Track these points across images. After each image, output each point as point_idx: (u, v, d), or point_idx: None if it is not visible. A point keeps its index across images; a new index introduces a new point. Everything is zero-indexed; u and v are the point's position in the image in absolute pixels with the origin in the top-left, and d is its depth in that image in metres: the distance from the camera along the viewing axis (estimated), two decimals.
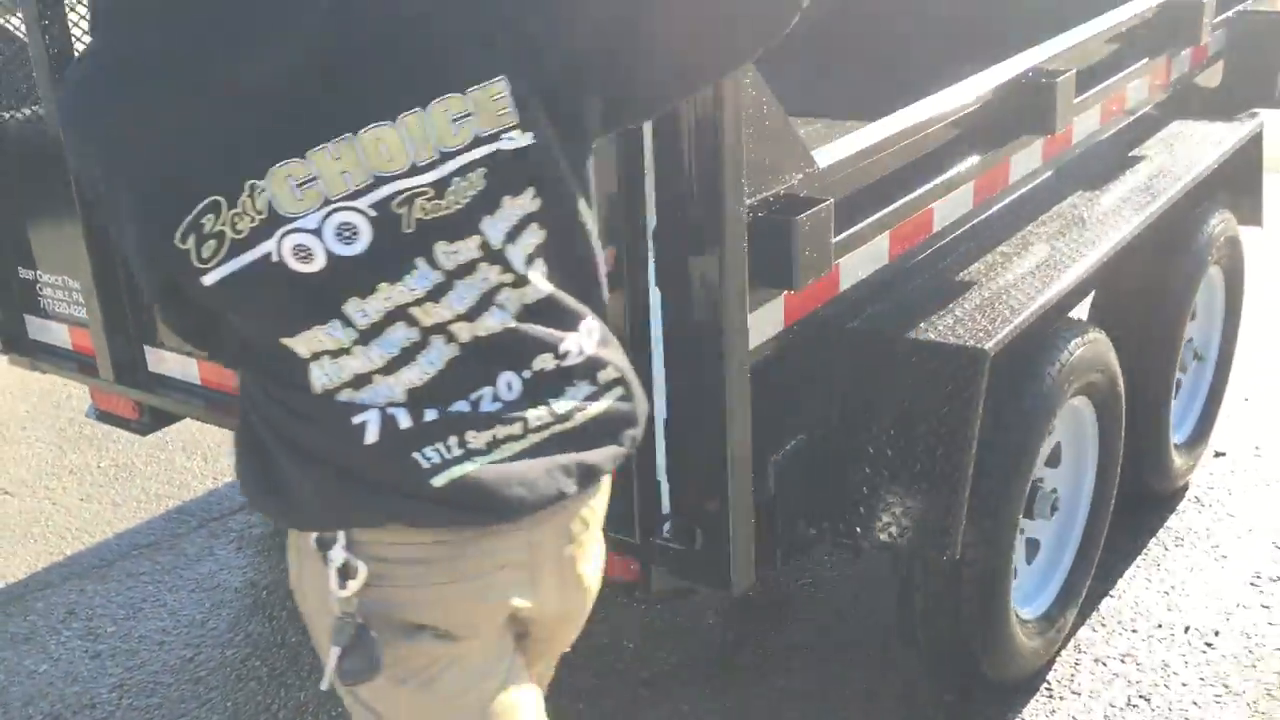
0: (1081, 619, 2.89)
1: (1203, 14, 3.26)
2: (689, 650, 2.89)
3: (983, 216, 2.59)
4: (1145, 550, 3.17)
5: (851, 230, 2.10)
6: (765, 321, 1.93)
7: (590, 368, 1.31)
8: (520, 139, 1.19)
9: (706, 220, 1.71)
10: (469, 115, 1.17)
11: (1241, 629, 2.83)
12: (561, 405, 1.29)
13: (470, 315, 1.22)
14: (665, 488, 1.93)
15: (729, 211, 1.70)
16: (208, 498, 3.73)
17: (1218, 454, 3.61)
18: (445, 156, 1.17)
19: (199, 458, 3.95)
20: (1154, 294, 3.05)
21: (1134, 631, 2.85)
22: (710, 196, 1.69)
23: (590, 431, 1.31)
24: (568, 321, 1.29)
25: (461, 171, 1.17)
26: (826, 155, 2.00)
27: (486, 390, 1.25)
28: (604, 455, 1.33)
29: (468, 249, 1.20)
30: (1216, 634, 2.82)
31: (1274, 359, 4.16)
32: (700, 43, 1.27)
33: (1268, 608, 2.91)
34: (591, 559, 1.50)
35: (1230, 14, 3.65)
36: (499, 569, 1.35)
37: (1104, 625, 2.88)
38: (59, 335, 2.81)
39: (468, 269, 1.21)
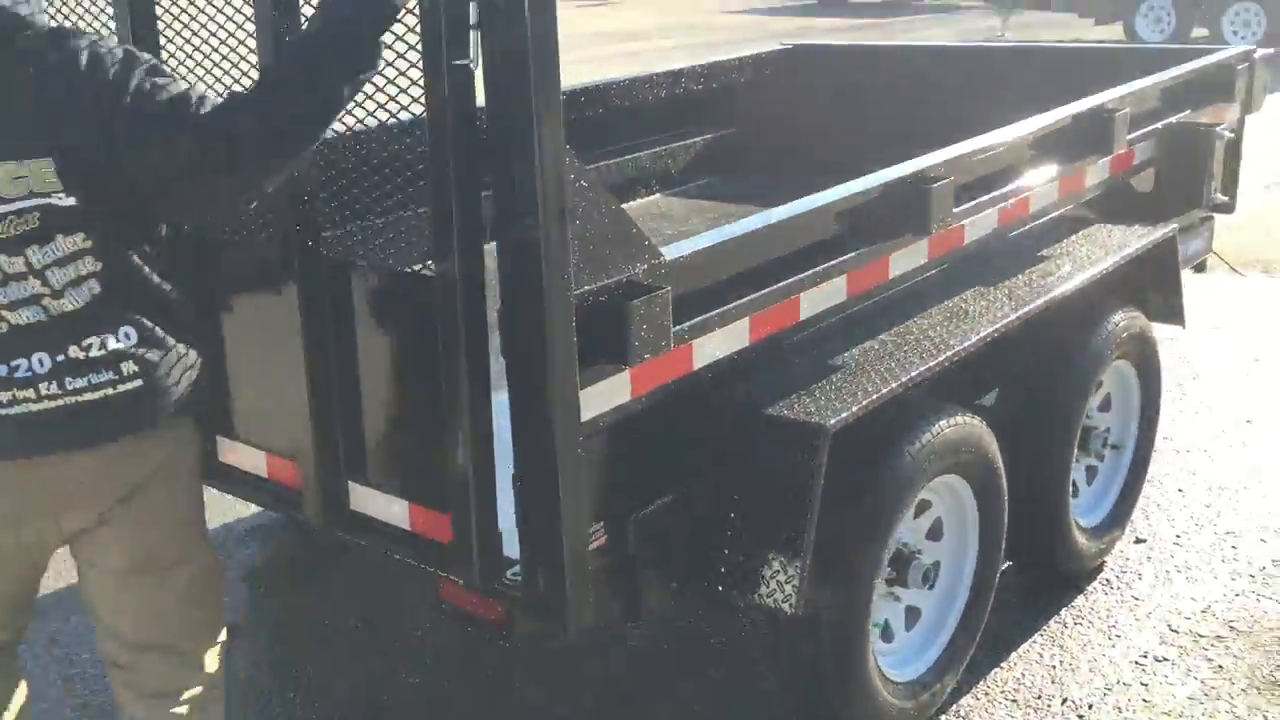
0: (968, 687, 3.07)
1: (1114, 126, 3.51)
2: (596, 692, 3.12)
3: (870, 303, 2.84)
4: (1045, 627, 3.34)
5: (706, 315, 2.37)
6: (609, 392, 2.19)
7: (113, 360, 1.89)
8: (66, 200, 1.82)
9: (536, 304, 1.99)
10: (24, 177, 1.79)
11: (1116, 704, 3.00)
12: (76, 383, 1.87)
13: (13, 308, 1.83)
14: (515, 535, 2.19)
15: (555, 297, 1.98)
16: None
17: (1138, 540, 3.77)
18: (3, 201, 1.79)
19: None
20: (1050, 386, 3.26)
21: (1013, 701, 3.03)
22: (537, 283, 1.97)
23: (97, 408, 1.89)
24: (102, 327, 1.88)
25: (18, 213, 1.80)
26: (674, 250, 2.28)
27: (22, 362, 1.85)
28: (106, 427, 1.91)
29: (16, 265, 1.82)
30: (1090, 707, 2.99)
31: (1217, 450, 4.32)
32: (191, 200, 1.95)
33: (1146, 685, 3.07)
34: (89, 522, 2.01)
35: (1159, 125, 3.89)
36: None
37: (987, 694, 3.06)
38: None
39: (16, 278, 1.82)
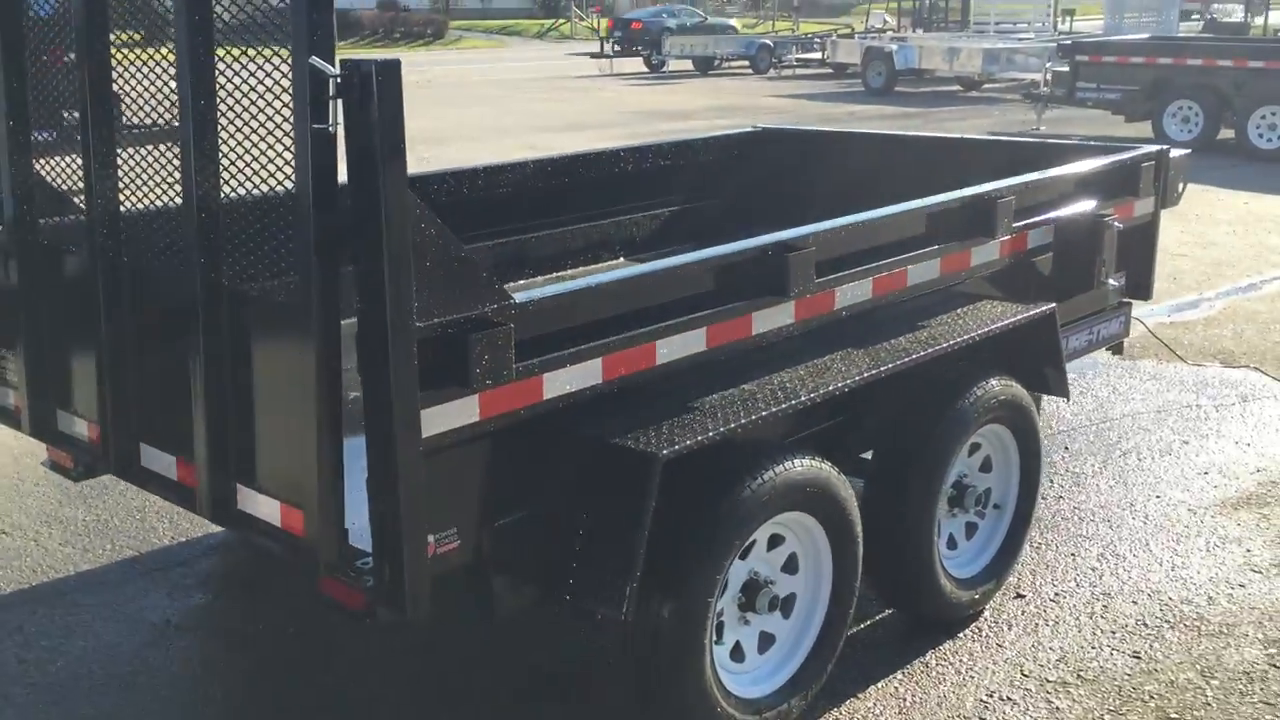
0: (821, 712, 3.36)
1: (997, 212, 3.85)
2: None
3: (745, 355, 3.19)
4: (908, 665, 3.62)
5: (559, 353, 2.74)
6: (456, 413, 2.55)
7: None
8: None
9: (381, 333, 2.37)
10: None
11: None
12: None
13: None
14: (368, 531, 2.56)
15: (398, 327, 2.36)
16: (162, 553, 4.43)
17: (1019, 595, 4.04)
18: None
19: (168, 520, 4.67)
20: (917, 445, 3.57)
21: None
22: (382, 315, 2.35)
23: None
24: None
25: None
26: (524, 295, 2.66)
27: None
28: None
29: None
30: None
31: (1120, 520, 4.58)
32: None
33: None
34: None
35: (1057, 214, 4.22)
36: None
37: (835, 719, 3.35)
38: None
39: None
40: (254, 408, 2.76)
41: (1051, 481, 4.98)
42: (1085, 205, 4.31)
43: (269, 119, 2.46)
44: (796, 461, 3.09)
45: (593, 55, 31.57)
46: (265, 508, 2.75)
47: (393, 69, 2.24)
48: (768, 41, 30.12)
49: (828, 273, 3.38)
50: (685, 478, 2.89)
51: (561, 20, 52.13)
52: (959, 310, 3.82)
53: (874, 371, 3.29)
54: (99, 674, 3.63)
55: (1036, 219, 4.10)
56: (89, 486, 4.74)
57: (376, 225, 2.31)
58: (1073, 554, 4.34)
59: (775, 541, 3.22)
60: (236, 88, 2.53)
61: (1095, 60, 15.76)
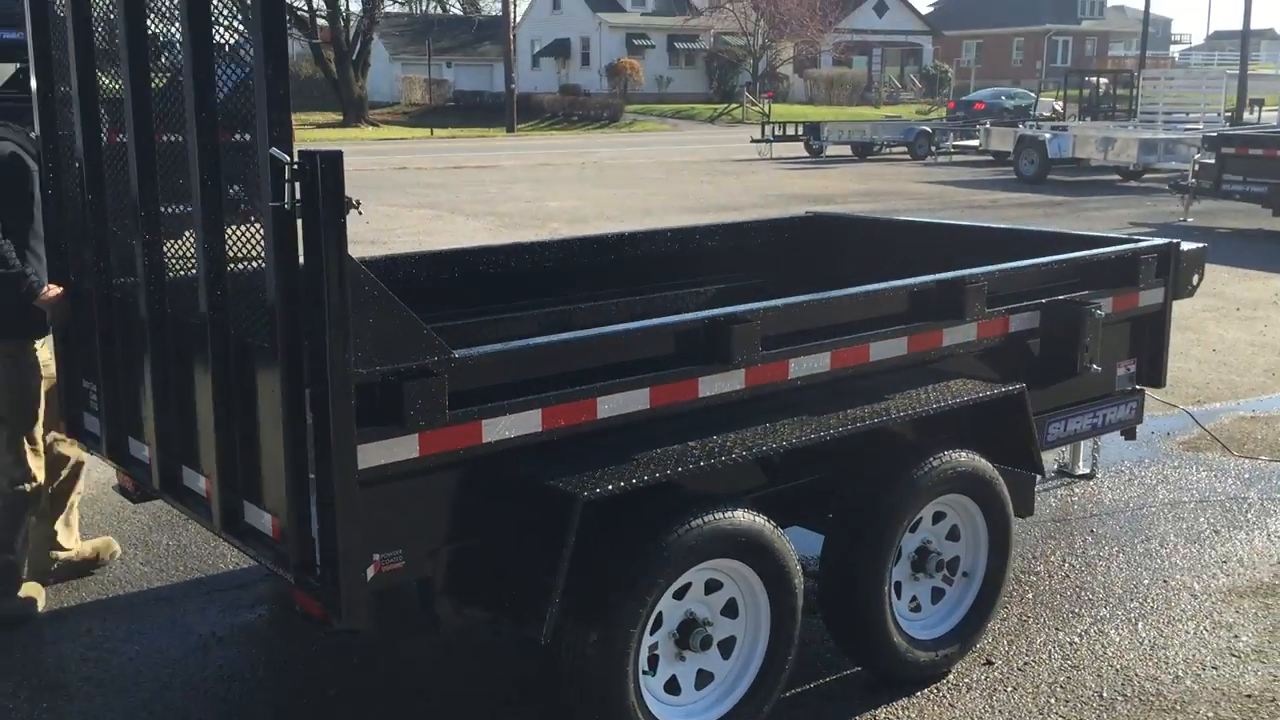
0: None
1: (967, 297, 4.12)
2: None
3: (704, 413, 3.54)
4: (859, 715, 3.86)
5: (497, 403, 3.15)
6: (394, 449, 2.99)
7: None
8: None
9: (324, 378, 2.83)
10: None
11: None
12: None
13: None
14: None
15: (336, 373, 2.82)
16: (225, 576, 4.98)
17: (988, 662, 4.23)
18: None
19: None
20: (871, 509, 3.83)
21: None
22: (324, 364, 2.82)
23: None
24: None
25: None
26: (463, 352, 3.09)
27: None
28: None
29: None
30: None
31: (1113, 598, 4.70)
32: None
33: None
34: None
35: (1043, 301, 4.45)
36: None
37: None
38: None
39: None
40: (254, 436, 3.26)
41: (1064, 560, 5.12)
42: (1071, 294, 4.52)
43: (250, 200, 2.98)
44: (728, 514, 3.42)
45: (753, 140, 32.19)
46: (263, 521, 3.24)
47: (335, 158, 2.73)
48: (926, 128, 30.29)
49: (784, 345, 3.72)
50: (618, 519, 3.26)
51: (734, 105, 53.19)
52: (927, 386, 4.08)
53: (813, 436, 3.60)
54: (145, 674, 4.16)
55: (1014, 305, 4.34)
56: (175, 517, 5.34)
57: (319, 284, 2.78)
58: (1057, 629, 4.49)
59: (713, 586, 3.54)
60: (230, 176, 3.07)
61: (1241, 152, 15.51)
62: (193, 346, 3.45)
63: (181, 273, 3.54)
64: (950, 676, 4.12)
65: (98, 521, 5.46)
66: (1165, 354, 5.01)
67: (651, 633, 3.42)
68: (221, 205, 3.20)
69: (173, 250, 3.54)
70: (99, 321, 3.91)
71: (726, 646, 3.60)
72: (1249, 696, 4.00)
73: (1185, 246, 4.97)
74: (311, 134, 40.02)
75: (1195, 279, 5.07)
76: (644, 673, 3.40)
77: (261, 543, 3.25)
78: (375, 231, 14.86)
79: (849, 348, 3.88)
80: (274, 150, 2.77)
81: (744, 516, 3.47)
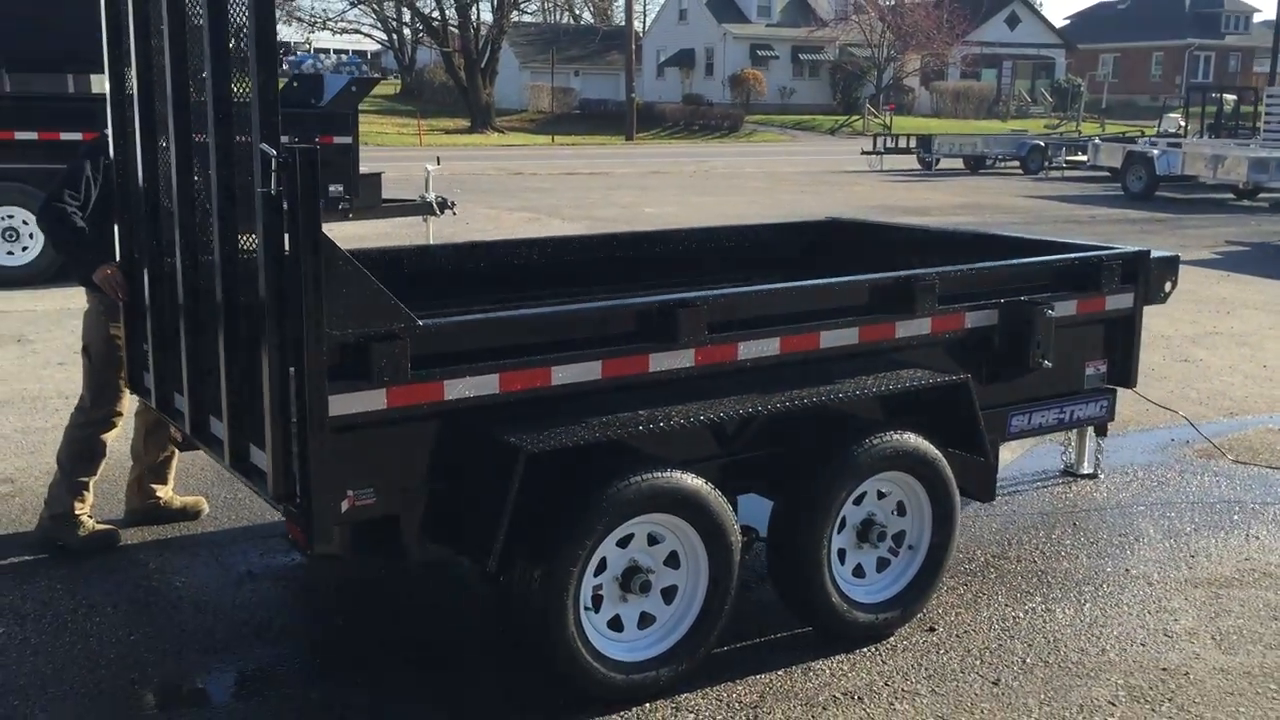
0: (696, 685, 4.09)
1: (916, 293, 4.52)
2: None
3: (664, 386, 4.02)
4: (795, 663, 4.28)
5: (456, 366, 3.68)
6: (364, 401, 3.53)
7: None
8: None
9: (299, 334, 3.40)
10: None
11: (785, 713, 3.94)
12: None
13: None
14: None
15: (312, 333, 3.38)
16: (271, 525, 5.60)
17: (930, 629, 4.61)
18: None
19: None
20: (809, 479, 4.26)
21: (719, 700, 4.03)
22: (299, 320, 3.38)
23: None
24: None
25: None
26: (428, 321, 3.62)
27: None
28: None
29: None
30: (757, 705, 3.95)
31: (1060, 575, 5.03)
32: None
33: (827, 710, 3.99)
34: None
35: (999, 300, 4.80)
36: None
37: (704, 695, 4.07)
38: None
39: None
40: (257, 388, 3.84)
41: (1037, 548, 5.45)
42: (1035, 295, 4.86)
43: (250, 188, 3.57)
44: (667, 473, 3.89)
45: (864, 152, 32.33)
46: (262, 460, 3.82)
47: (311, 153, 3.29)
48: (1039, 142, 30.07)
49: (737, 329, 4.18)
50: (565, 472, 3.77)
51: (856, 117, 53.17)
52: (878, 373, 4.48)
53: (752, 410, 4.05)
54: (185, 601, 4.80)
55: (968, 303, 4.71)
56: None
57: (297, 257, 3.35)
58: (1007, 605, 4.84)
59: (656, 539, 4.01)
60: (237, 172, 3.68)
61: None
62: (214, 314, 4.05)
63: (208, 256, 4.15)
64: (892, 639, 4.51)
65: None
66: (1136, 355, 5.30)
67: (596, 575, 3.91)
68: (234, 194, 3.77)
69: (205, 234, 4.16)
70: (151, 294, 4.56)
71: (669, 594, 4.07)
72: (1164, 669, 4.31)
73: (1156, 254, 5.26)
74: (436, 139, 41.38)
75: (1168, 286, 5.35)
76: (586, 609, 3.89)
77: (261, 478, 3.83)
78: (473, 232, 15.61)
79: (798, 335, 4.31)
80: (263, 145, 3.35)
81: (682, 477, 3.93)
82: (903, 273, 4.57)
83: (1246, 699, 4.12)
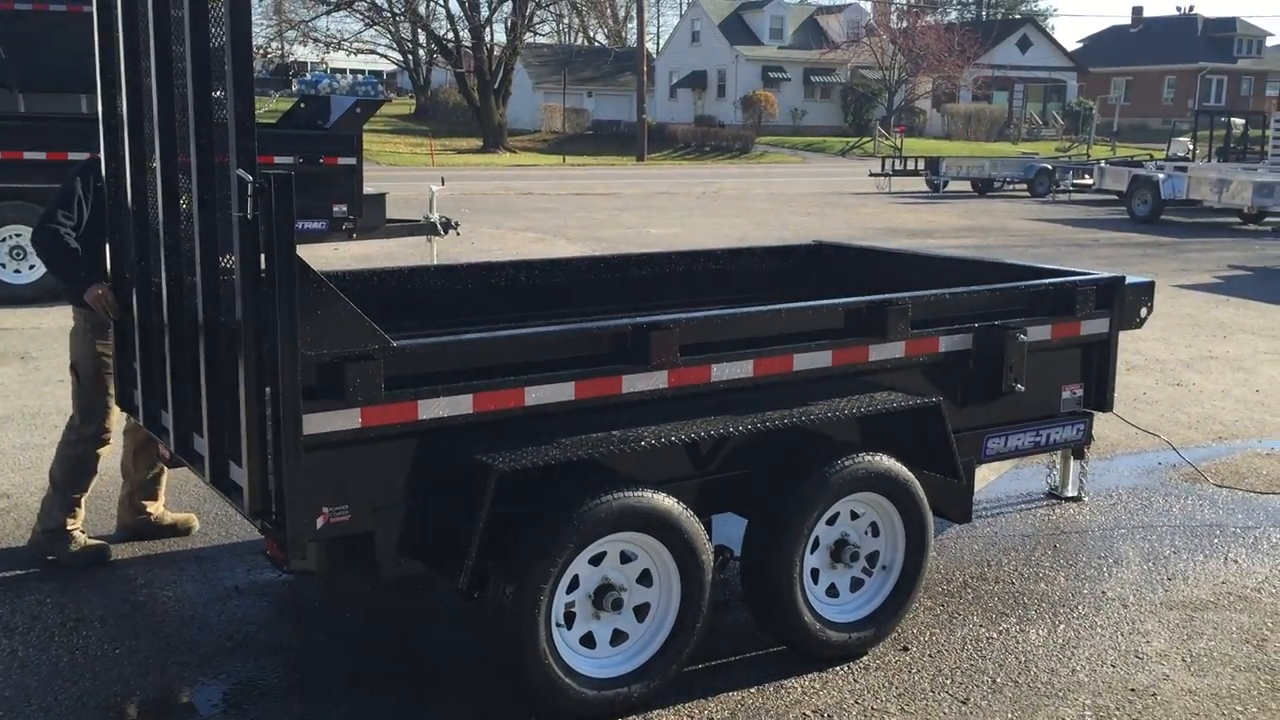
0: (669, 703, 4.15)
1: (889, 317, 4.59)
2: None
3: (634, 408, 4.09)
4: (768, 682, 4.34)
5: (431, 386, 3.76)
6: (338, 420, 3.61)
7: None
8: None
9: (276, 359, 3.48)
10: None
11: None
12: None
13: None
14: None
15: (286, 355, 3.47)
16: (258, 542, 5.69)
17: (904, 649, 4.66)
18: None
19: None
20: (779, 499, 4.33)
21: (689, 716, 4.09)
22: (274, 341, 3.47)
23: None
24: None
25: None
26: (401, 342, 3.71)
27: None
28: None
29: None
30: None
31: (1033, 598, 5.08)
32: None
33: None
34: None
35: (972, 325, 4.87)
36: None
37: (675, 712, 4.14)
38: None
39: None
40: (235, 407, 3.93)
41: (1016, 570, 5.50)
42: (1008, 320, 4.93)
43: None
44: (638, 493, 3.96)
45: (872, 174, 32.43)
46: (241, 477, 3.90)
47: (286, 179, 3.39)
48: (1047, 165, 30.13)
49: (710, 351, 4.25)
50: (539, 491, 3.85)
51: (866, 139, 53.31)
52: (851, 396, 4.55)
53: (722, 432, 4.12)
54: (172, 614, 4.89)
55: (941, 327, 4.77)
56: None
57: (273, 279, 3.44)
58: (981, 626, 4.90)
59: (629, 557, 4.08)
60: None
61: None
62: (196, 333, 4.14)
63: (191, 277, 4.24)
64: (866, 658, 4.57)
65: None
66: (1112, 380, 5.36)
67: (569, 592, 3.99)
68: (215, 216, 3.87)
69: (188, 255, 4.25)
70: (139, 313, 4.66)
71: (641, 611, 4.13)
72: (1133, 690, 4.36)
73: (1131, 280, 5.33)
74: (449, 159, 41.62)
75: (1144, 311, 5.41)
76: (558, 625, 3.96)
77: (240, 495, 3.91)
78: (477, 252, 15.72)
79: (772, 357, 4.38)
80: (240, 171, 3.45)
81: (653, 496, 4.00)
82: (876, 297, 4.65)
83: None
